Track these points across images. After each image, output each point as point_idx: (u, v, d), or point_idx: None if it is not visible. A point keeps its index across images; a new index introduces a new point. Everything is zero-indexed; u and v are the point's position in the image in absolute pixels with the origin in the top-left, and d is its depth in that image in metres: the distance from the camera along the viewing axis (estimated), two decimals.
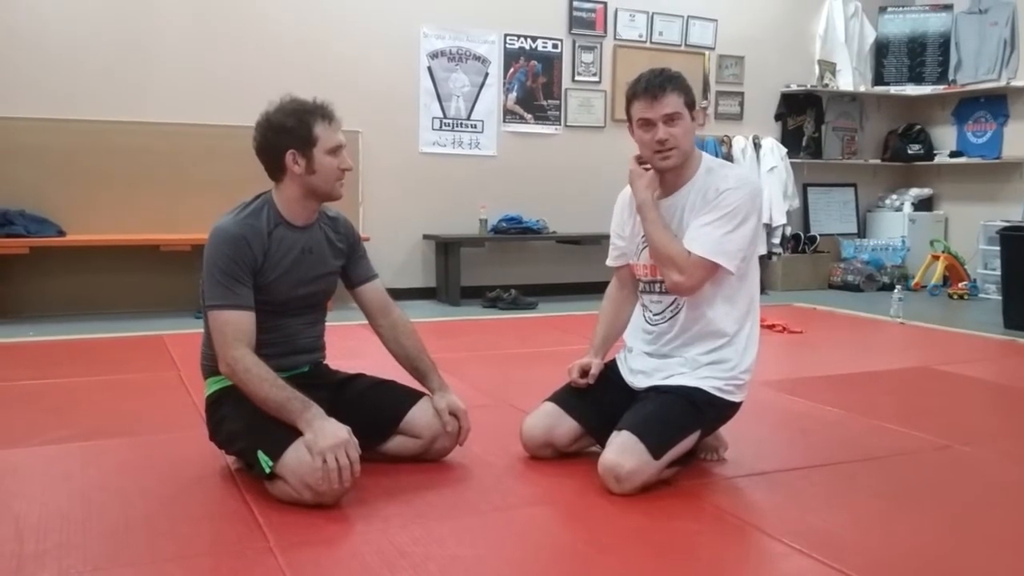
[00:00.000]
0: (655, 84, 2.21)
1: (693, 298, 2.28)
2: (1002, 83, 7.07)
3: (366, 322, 2.48)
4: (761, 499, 2.23)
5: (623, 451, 2.14)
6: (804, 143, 7.59)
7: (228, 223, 2.17)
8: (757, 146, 7.20)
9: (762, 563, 1.89)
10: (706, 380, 2.26)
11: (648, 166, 2.30)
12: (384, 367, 2.50)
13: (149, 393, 3.26)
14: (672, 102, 2.21)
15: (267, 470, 2.04)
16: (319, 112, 2.20)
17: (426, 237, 6.22)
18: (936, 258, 6.95)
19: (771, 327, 4.91)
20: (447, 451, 2.40)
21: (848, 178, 7.90)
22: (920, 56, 7.69)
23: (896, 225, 7.60)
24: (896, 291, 5.55)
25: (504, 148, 6.45)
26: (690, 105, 2.25)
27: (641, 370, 2.36)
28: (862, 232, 7.87)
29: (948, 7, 7.54)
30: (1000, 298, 5.49)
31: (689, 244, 2.21)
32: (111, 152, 5.30)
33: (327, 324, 2.47)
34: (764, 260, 6.77)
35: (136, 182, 5.35)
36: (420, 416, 2.34)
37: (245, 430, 2.12)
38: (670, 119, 2.21)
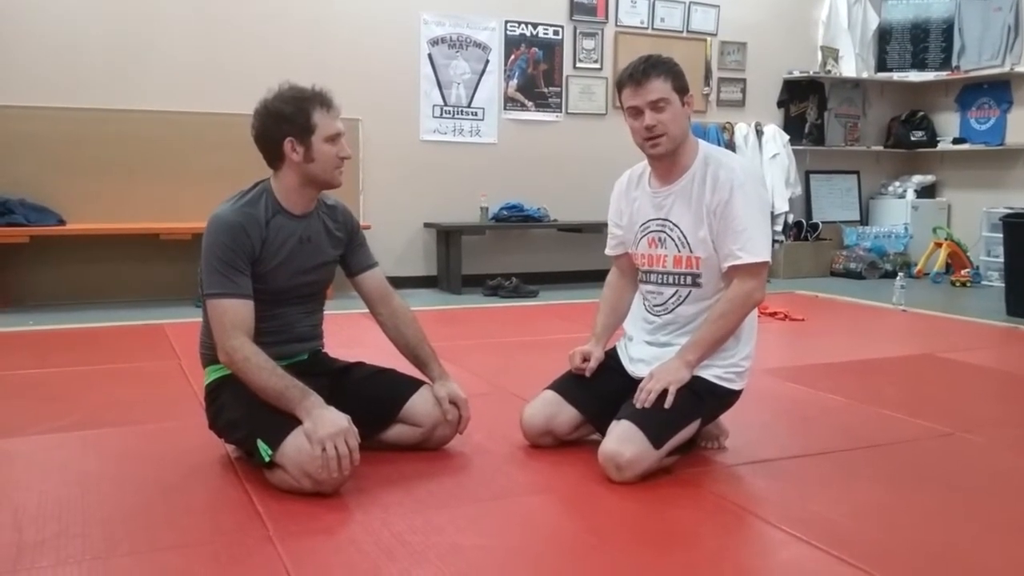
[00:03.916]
0: (640, 71, 2.19)
1: (697, 290, 2.28)
2: (1006, 69, 7.03)
3: (366, 310, 2.47)
4: (762, 487, 2.23)
5: (623, 440, 2.13)
6: (806, 130, 7.55)
7: (226, 211, 2.16)
8: (759, 133, 7.18)
9: (763, 551, 1.89)
10: (706, 369, 2.25)
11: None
12: (384, 355, 2.49)
13: (149, 382, 3.26)
14: (657, 88, 2.18)
15: (266, 459, 2.03)
16: (317, 99, 2.19)
17: (427, 225, 6.21)
18: (939, 245, 6.93)
19: (773, 315, 4.91)
20: (447, 440, 2.40)
21: (851, 165, 7.87)
22: (923, 42, 7.64)
23: (899, 212, 7.58)
24: (898, 278, 5.54)
25: (505, 136, 6.43)
26: (680, 90, 2.22)
27: (641, 359, 2.35)
28: (864, 219, 7.85)
29: None
30: (1003, 285, 5.47)
31: (742, 253, 2.19)
32: (111, 141, 5.28)
33: (328, 312, 2.47)
34: None
35: (136, 171, 5.34)
36: (420, 404, 2.33)
37: (244, 419, 2.12)
38: (656, 105, 2.19)
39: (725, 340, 2.24)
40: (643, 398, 2.17)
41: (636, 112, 2.23)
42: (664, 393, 2.17)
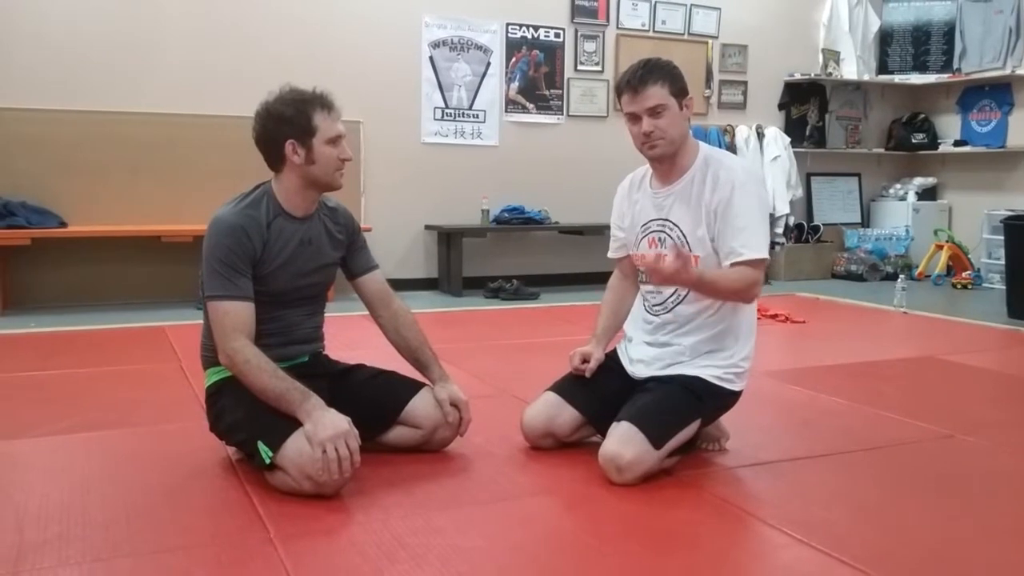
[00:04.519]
0: (637, 77, 2.20)
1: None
2: (1007, 71, 7.02)
3: (367, 312, 2.47)
4: (763, 489, 2.23)
5: (624, 441, 2.14)
6: (808, 132, 7.55)
7: (227, 213, 2.16)
8: (760, 135, 7.17)
9: (763, 553, 1.89)
10: (706, 369, 2.26)
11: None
12: (385, 358, 2.50)
13: (150, 384, 3.26)
14: (655, 94, 2.19)
15: (267, 461, 2.04)
16: (318, 102, 2.19)
17: (428, 227, 6.21)
18: (940, 247, 6.93)
19: (774, 317, 4.91)
20: (448, 441, 2.40)
21: (852, 167, 7.87)
22: (925, 44, 7.64)
23: (900, 214, 7.57)
24: (899, 281, 5.54)
25: (506, 138, 6.43)
26: (678, 94, 2.23)
27: (641, 359, 2.35)
28: (866, 221, 7.85)
29: None
30: (1004, 288, 5.47)
31: (743, 249, 2.19)
32: (113, 143, 5.29)
33: (328, 315, 2.47)
34: None
35: (137, 173, 5.35)
36: (421, 406, 2.33)
37: (245, 421, 2.12)
38: (654, 111, 2.20)
39: (723, 296, 2.23)
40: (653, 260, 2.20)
41: (634, 118, 2.24)
42: (659, 397, 2.21)
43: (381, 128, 5.94)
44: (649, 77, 2.20)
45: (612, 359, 2.44)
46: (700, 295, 2.24)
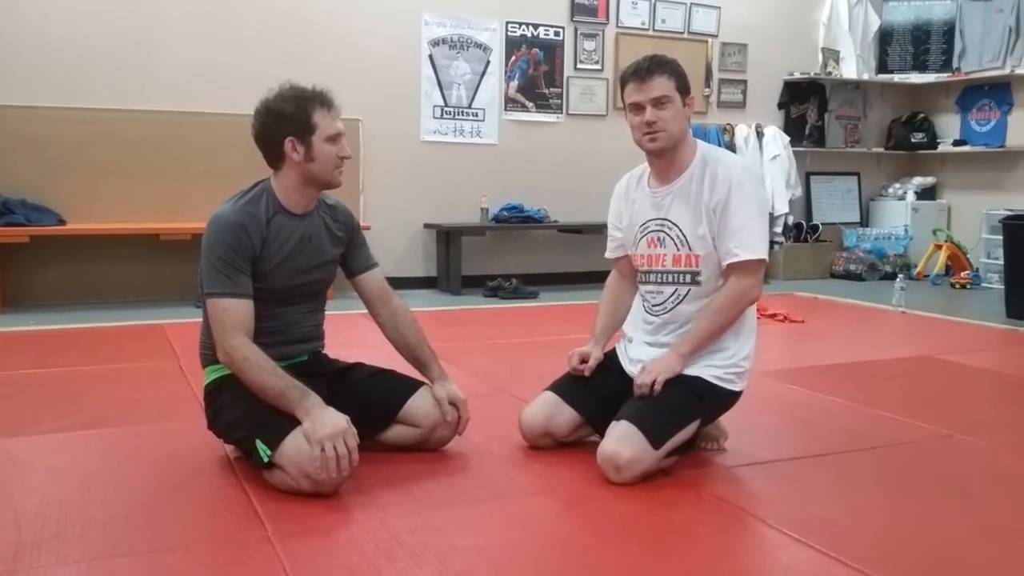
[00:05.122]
0: (644, 68, 2.22)
1: (696, 289, 2.29)
2: (1007, 71, 7.03)
3: (366, 311, 2.47)
4: (761, 489, 2.23)
5: (622, 440, 2.14)
6: (807, 131, 7.55)
7: (227, 211, 2.16)
8: (760, 134, 7.17)
9: (762, 553, 1.89)
10: (706, 369, 2.26)
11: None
12: (384, 356, 2.49)
13: (149, 382, 3.26)
14: (660, 85, 2.21)
15: (265, 459, 2.03)
16: (318, 99, 2.19)
17: (427, 226, 6.21)
18: (939, 247, 6.93)
19: (772, 316, 4.90)
20: (446, 440, 2.40)
21: (851, 167, 7.87)
22: (924, 44, 7.65)
23: (899, 214, 7.58)
24: (898, 280, 5.54)
25: (505, 136, 6.43)
26: (682, 90, 2.25)
27: (641, 360, 2.35)
28: (865, 221, 7.85)
29: None
30: (1003, 287, 5.47)
31: (739, 250, 2.20)
32: (112, 141, 5.28)
33: (327, 313, 2.47)
34: None
35: (137, 171, 5.34)
36: (419, 405, 2.33)
37: (243, 419, 2.12)
38: (658, 102, 2.21)
39: (720, 335, 2.25)
40: (638, 394, 2.21)
41: (638, 108, 2.24)
42: (658, 397, 2.19)
43: (380, 126, 5.94)
44: (656, 69, 2.22)
45: (611, 359, 2.44)
46: (711, 341, 2.25)
